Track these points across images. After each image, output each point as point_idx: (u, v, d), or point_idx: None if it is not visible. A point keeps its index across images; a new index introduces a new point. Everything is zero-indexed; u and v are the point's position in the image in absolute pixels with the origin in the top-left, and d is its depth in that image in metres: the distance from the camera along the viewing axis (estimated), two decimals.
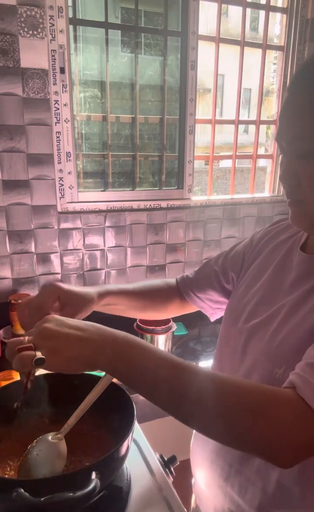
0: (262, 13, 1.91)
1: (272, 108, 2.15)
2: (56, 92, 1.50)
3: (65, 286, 0.70)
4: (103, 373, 0.62)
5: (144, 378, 0.52)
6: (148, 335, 1.51)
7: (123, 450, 0.59)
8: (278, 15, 1.94)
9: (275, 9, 1.91)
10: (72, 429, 0.61)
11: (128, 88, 1.76)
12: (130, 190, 1.84)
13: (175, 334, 1.61)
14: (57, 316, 0.55)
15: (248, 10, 1.86)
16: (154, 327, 1.50)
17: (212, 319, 0.91)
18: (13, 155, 1.49)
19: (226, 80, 8.53)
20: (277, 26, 1.99)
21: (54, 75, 1.48)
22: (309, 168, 0.56)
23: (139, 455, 0.77)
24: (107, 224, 1.71)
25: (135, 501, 0.66)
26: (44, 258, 1.65)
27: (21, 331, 1.50)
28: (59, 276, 1.68)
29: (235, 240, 1.98)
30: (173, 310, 0.92)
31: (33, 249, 1.62)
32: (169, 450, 0.84)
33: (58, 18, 1.45)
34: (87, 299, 0.72)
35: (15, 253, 1.59)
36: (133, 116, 1.78)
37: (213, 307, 0.88)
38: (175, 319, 1.53)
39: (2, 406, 0.68)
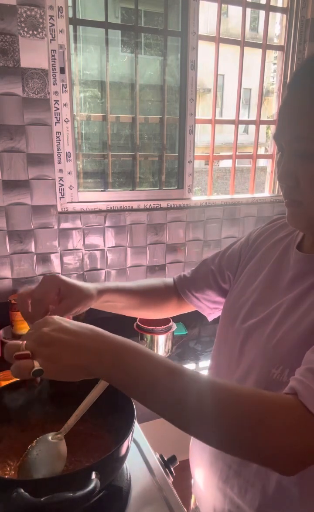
0: (262, 13, 1.91)
1: (272, 108, 2.15)
2: (56, 92, 1.50)
3: (66, 278, 0.69)
4: None
5: (141, 387, 0.51)
6: (148, 335, 1.51)
7: (123, 450, 0.59)
8: (278, 15, 1.94)
9: (275, 9, 1.91)
10: (72, 429, 0.61)
11: (128, 88, 1.76)
12: (130, 190, 1.84)
13: (175, 334, 1.61)
14: (56, 318, 0.54)
15: (248, 10, 1.86)
16: (154, 327, 1.50)
17: (210, 319, 0.91)
18: (13, 155, 1.49)
19: (226, 80, 8.54)
20: (277, 26, 1.99)
21: (54, 75, 1.48)
22: (309, 168, 0.56)
23: (139, 455, 0.77)
24: (107, 224, 1.71)
25: (135, 501, 0.66)
26: (44, 258, 1.65)
27: (21, 331, 1.50)
28: None
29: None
30: (171, 310, 0.91)
31: (33, 249, 1.62)
32: (169, 450, 0.84)
33: (58, 18, 1.45)
34: (87, 294, 0.71)
35: (15, 253, 1.59)
36: (133, 116, 1.78)
37: (211, 306, 0.88)
38: (175, 319, 1.53)
39: (2, 406, 0.68)
